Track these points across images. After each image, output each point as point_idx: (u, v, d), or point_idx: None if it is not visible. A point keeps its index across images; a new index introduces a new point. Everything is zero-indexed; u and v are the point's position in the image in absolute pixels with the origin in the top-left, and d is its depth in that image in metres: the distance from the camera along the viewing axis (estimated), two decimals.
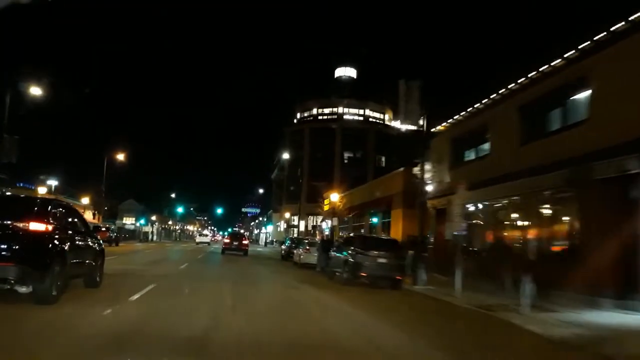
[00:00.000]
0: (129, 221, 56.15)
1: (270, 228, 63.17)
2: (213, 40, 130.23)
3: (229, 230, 69.19)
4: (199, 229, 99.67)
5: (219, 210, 79.04)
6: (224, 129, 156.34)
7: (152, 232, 59.33)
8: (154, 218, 60.70)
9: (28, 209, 6.12)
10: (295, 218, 53.23)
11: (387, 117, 56.74)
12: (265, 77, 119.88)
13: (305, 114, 57.18)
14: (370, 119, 55.41)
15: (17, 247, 5.64)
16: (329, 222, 32.47)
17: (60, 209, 6.84)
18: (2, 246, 5.59)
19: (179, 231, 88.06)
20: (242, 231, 63.77)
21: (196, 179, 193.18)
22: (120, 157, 30.00)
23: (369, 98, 53.65)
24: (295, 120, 57.47)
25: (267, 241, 62.16)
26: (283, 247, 25.51)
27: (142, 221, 55.29)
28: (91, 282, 7.74)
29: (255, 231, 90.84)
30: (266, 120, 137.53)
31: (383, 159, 53.55)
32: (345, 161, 51.65)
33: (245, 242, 25.86)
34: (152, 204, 61.29)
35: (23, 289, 5.70)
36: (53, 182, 34.84)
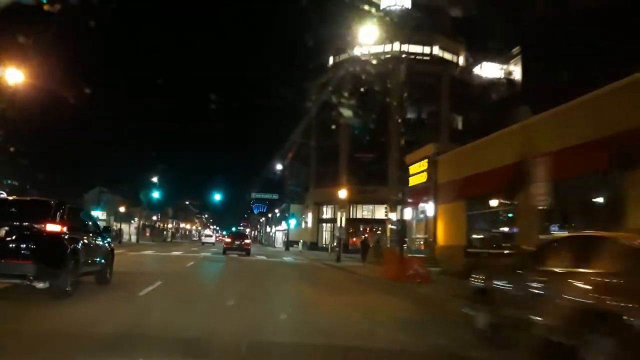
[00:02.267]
0: (101, 216, 58.55)
1: (292, 223, 63.87)
2: None
3: (233, 229, 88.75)
4: (199, 228, 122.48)
5: (217, 197, 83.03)
6: (226, 114, 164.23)
7: (117, 228, 54.10)
8: (122, 209, 61.03)
9: (44, 211, 9.49)
10: (328, 209, 54.52)
11: (460, 59, 55.25)
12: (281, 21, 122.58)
13: (343, 57, 54.33)
14: (440, 61, 53.42)
15: (35, 246, 8.97)
16: (428, 205, 25.88)
17: (74, 212, 10.51)
18: (22, 245, 8.96)
19: (171, 230, 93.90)
20: (247, 229, 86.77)
21: (197, 177, 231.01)
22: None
23: (437, 30, 52.48)
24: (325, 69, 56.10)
25: (284, 241, 64.88)
26: None
27: (98, 212, 53.60)
28: (102, 279, 11.71)
29: (268, 229, 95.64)
30: (283, 82, 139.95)
31: (460, 119, 53.57)
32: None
33: (247, 241, 37.59)
34: (133, 196, 63.73)
35: (40, 285, 9.10)
36: None
